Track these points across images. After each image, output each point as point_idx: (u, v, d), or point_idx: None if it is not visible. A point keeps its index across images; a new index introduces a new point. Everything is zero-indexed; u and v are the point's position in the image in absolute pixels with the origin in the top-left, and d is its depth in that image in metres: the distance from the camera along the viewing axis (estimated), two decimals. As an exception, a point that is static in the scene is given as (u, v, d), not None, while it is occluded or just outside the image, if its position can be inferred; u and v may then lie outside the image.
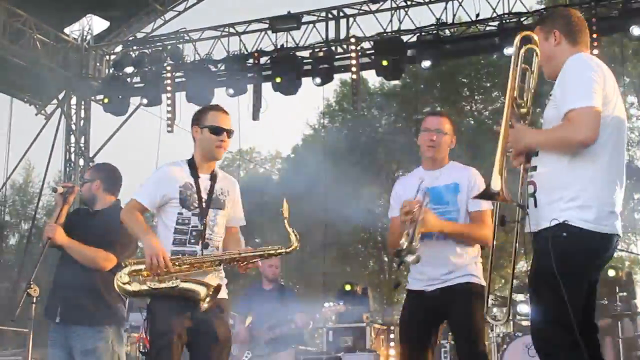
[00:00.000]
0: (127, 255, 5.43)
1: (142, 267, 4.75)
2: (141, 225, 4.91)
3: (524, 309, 10.79)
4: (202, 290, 4.69)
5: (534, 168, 4.08)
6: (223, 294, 4.94)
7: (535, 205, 4.03)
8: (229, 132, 5.04)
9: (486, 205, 5.06)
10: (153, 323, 4.83)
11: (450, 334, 9.34)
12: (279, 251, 4.85)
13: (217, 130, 5.00)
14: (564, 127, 3.90)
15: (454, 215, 5.15)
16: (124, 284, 4.76)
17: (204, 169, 5.08)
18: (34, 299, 5.52)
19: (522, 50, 4.27)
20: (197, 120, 5.09)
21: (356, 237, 28.48)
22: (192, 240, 4.92)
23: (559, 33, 4.17)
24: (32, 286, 5.48)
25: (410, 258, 4.89)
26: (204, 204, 4.97)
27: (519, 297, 12.51)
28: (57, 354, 5.87)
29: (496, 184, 4.00)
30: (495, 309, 11.43)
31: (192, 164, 5.07)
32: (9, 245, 30.63)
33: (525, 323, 10.69)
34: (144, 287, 4.75)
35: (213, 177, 5.07)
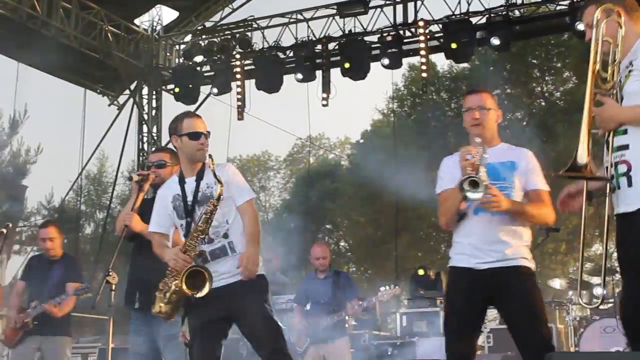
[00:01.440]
0: None
1: (170, 290, 5.08)
2: (162, 249, 5.22)
3: (600, 291, 10.59)
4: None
5: (625, 147, 3.84)
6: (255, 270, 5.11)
7: (630, 185, 3.80)
8: (206, 135, 5.30)
9: (544, 185, 4.85)
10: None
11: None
12: (212, 202, 5.01)
13: (195, 135, 5.24)
14: None
15: (509, 192, 4.85)
16: (160, 312, 5.12)
17: (190, 172, 5.30)
18: (113, 286, 5.63)
19: (604, 23, 3.99)
20: (174, 130, 5.31)
21: (427, 221, 28.36)
22: None
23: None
24: (110, 274, 5.59)
25: (475, 195, 4.46)
26: (189, 206, 5.17)
27: (594, 279, 12.33)
28: (139, 341, 6.00)
29: (583, 157, 3.78)
30: (570, 292, 11.26)
31: (180, 174, 5.34)
32: (85, 235, 31.20)
33: (603, 307, 10.51)
34: (170, 304, 5.09)
35: (198, 177, 5.26)
